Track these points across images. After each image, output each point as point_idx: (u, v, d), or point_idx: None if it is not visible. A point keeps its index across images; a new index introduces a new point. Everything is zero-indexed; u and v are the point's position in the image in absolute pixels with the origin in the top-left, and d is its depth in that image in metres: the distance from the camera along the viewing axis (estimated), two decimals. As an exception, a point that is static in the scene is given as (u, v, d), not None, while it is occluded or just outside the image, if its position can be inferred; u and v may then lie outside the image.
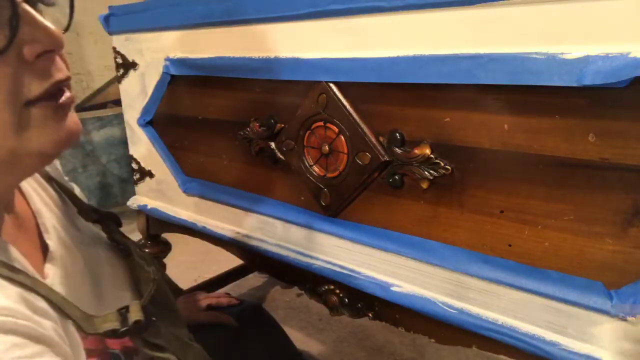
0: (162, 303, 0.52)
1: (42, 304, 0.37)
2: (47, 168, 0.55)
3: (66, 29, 0.39)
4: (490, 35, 0.48)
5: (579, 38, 0.42)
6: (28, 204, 0.47)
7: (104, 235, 0.57)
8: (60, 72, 0.37)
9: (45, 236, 0.45)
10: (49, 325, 0.36)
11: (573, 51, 0.42)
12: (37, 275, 0.39)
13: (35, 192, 0.49)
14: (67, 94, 0.37)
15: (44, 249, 0.45)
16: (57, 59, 0.37)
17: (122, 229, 0.60)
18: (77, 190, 0.59)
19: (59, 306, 0.38)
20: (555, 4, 0.43)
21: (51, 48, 0.35)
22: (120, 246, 0.57)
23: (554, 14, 0.43)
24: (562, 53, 0.43)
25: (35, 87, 0.35)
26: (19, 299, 0.34)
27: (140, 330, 0.43)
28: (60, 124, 0.37)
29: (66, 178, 0.60)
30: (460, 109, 0.53)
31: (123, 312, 0.43)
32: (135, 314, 0.43)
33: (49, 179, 0.54)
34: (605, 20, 0.41)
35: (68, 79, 0.38)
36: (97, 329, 0.40)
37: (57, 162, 0.59)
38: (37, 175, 0.51)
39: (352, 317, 0.72)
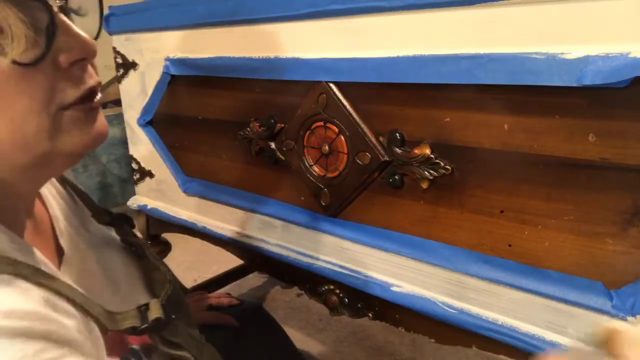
0: (177, 303, 0.52)
1: (65, 304, 0.37)
2: None
3: (96, 37, 0.40)
4: (490, 35, 0.48)
5: (579, 38, 0.42)
6: (45, 207, 0.48)
7: (116, 237, 0.58)
8: (92, 79, 0.38)
9: (61, 240, 0.46)
10: (72, 324, 0.36)
11: (573, 51, 0.42)
12: (59, 276, 0.40)
13: (51, 195, 0.50)
14: (98, 97, 0.39)
15: (59, 251, 0.45)
16: (88, 65, 0.39)
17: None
18: None
19: (81, 304, 0.39)
20: (555, 4, 0.43)
21: (85, 56, 0.37)
22: (133, 248, 0.57)
23: (554, 14, 0.43)
24: (562, 53, 0.43)
25: (70, 93, 0.36)
26: (42, 301, 0.35)
27: (160, 328, 0.44)
28: (91, 125, 0.38)
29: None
30: (460, 109, 0.53)
31: (143, 309, 0.44)
32: (155, 312, 0.43)
33: (63, 180, 0.55)
34: (605, 20, 0.41)
35: (99, 84, 0.39)
36: (118, 325, 0.41)
37: None
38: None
39: (352, 317, 0.72)
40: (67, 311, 0.37)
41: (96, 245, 0.52)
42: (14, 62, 0.32)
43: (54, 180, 0.52)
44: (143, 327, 0.42)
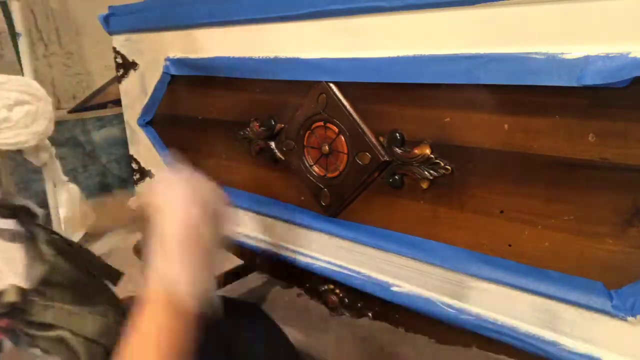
0: (60, 283, 0.53)
1: None
2: None
3: None
4: (490, 35, 0.48)
5: (579, 38, 0.42)
6: None
7: (11, 228, 0.59)
8: None
9: None
10: None
11: (573, 51, 0.42)
12: None
13: None
14: None
15: None
16: None
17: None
18: (76, 190, 0.59)
19: None
20: (555, 4, 0.43)
21: None
22: (27, 234, 0.58)
23: (554, 14, 0.43)
24: (562, 53, 0.43)
25: None
26: None
27: (17, 312, 0.45)
28: None
29: (66, 178, 0.60)
30: (460, 109, 0.53)
31: None
32: (10, 296, 0.44)
33: None
34: (605, 20, 0.41)
35: None
36: None
37: None
38: None
39: (352, 317, 0.72)
40: None
41: None
42: None
43: None
44: None
